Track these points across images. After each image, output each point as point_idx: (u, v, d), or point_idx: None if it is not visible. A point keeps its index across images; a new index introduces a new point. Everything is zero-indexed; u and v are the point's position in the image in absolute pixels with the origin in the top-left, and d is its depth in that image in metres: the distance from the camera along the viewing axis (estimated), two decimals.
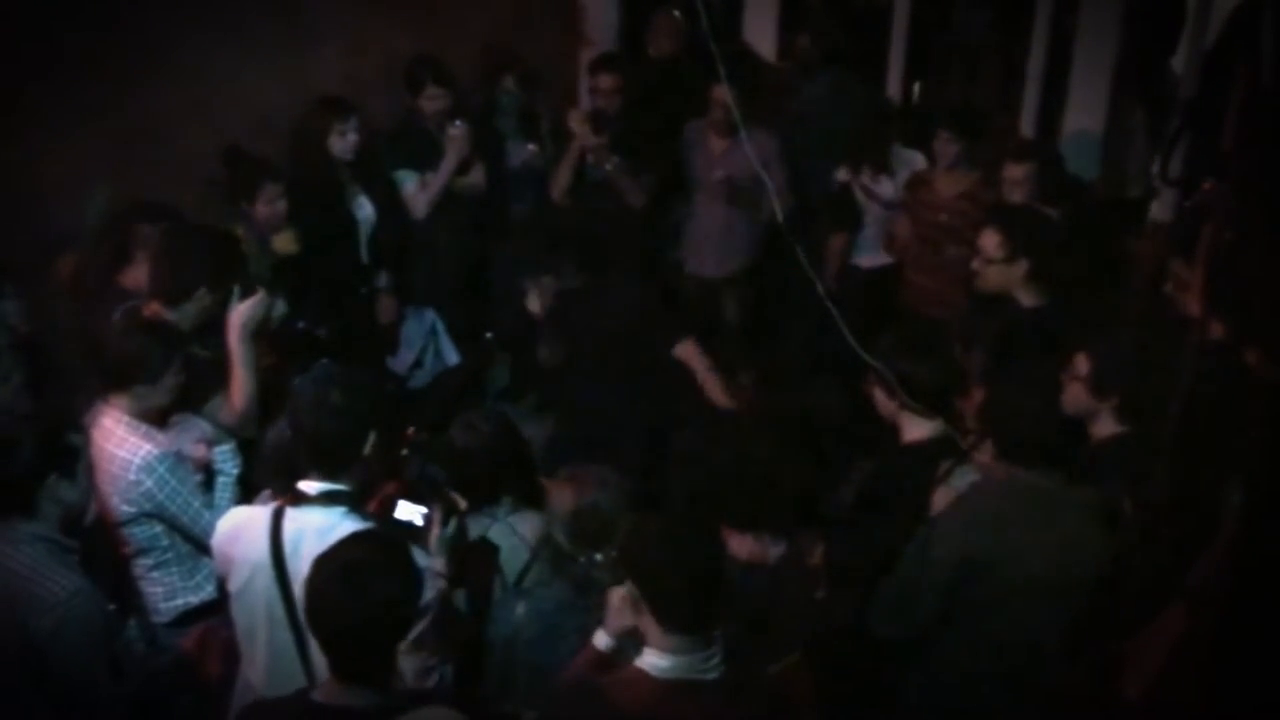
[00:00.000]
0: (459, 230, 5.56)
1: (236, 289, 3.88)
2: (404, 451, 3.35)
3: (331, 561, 2.55)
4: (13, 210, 4.30)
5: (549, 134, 5.88)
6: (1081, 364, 3.63)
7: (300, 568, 2.78)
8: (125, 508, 3.47)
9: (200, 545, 3.54)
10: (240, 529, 3.05)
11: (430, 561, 3.07)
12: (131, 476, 3.43)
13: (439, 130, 5.39)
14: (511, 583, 3.37)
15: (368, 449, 3.07)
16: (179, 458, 3.54)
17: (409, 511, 3.17)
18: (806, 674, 3.06)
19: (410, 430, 3.43)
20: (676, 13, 6.10)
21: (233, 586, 3.04)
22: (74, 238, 4.42)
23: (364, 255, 5.19)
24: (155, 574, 3.60)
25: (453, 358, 5.60)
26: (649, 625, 2.59)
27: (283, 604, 2.94)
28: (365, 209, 5.15)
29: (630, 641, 2.70)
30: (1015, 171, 4.97)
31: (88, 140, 4.47)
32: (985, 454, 3.35)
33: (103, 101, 4.52)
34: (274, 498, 3.17)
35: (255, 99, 5.03)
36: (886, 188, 5.62)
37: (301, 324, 4.48)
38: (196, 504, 3.52)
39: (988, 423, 3.36)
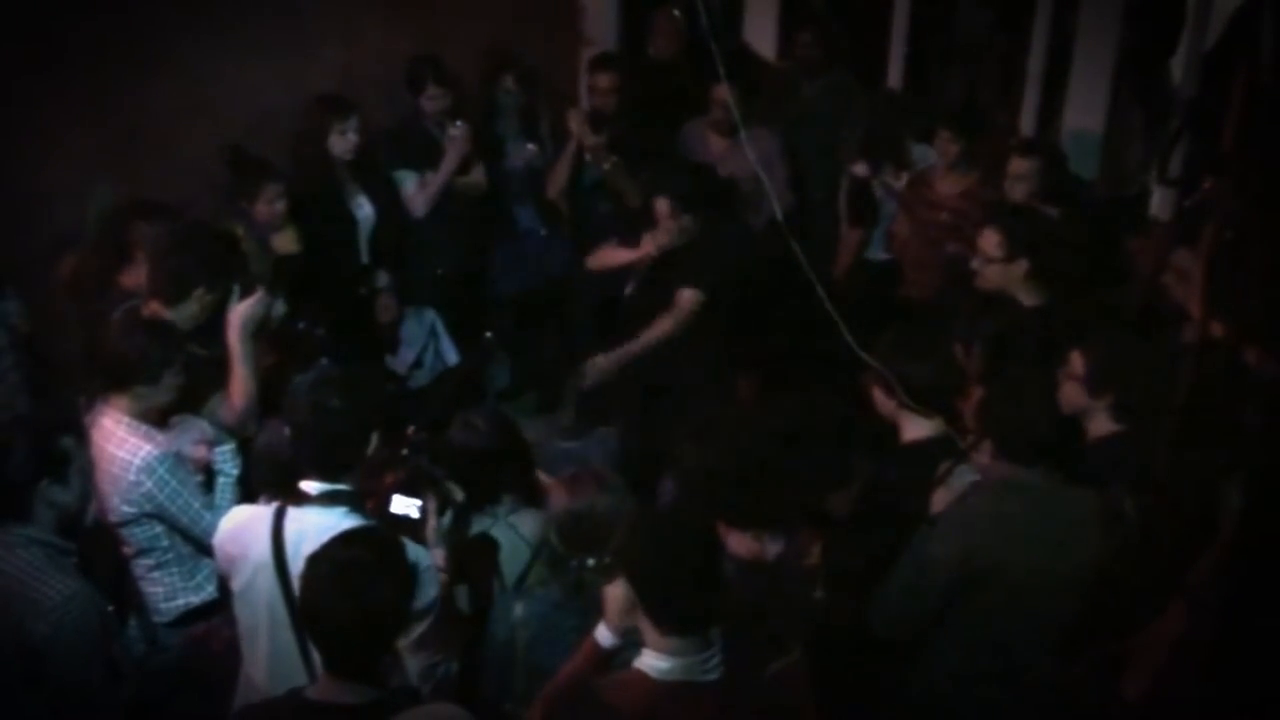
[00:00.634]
0: (459, 230, 5.56)
1: (236, 288, 3.88)
2: (404, 451, 3.35)
3: (323, 561, 2.55)
4: (13, 210, 4.30)
5: (549, 134, 5.88)
6: (1077, 362, 3.63)
7: (302, 568, 2.77)
8: (125, 508, 3.47)
9: (201, 546, 3.54)
10: (242, 528, 3.05)
11: (431, 555, 3.07)
12: (131, 477, 3.43)
13: (439, 130, 5.39)
14: (512, 583, 3.37)
15: (370, 450, 3.07)
16: (179, 458, 3.54)
17: (404, 505, 3.17)
18: (805, 673, 3.06)
19: (410, 430, 3.44)
20: (677, 12, 6.10)
21: (235, 586, 3.05)
22: (74, 238, 4.42)
23: (364, 255, 5.19)
24: (156, 574, 3.60)
25: (453, 358, 5.61)
26: (646, 627, 2.58)
27: (284, 604, 2.93)
28: (365, 209, 5.15)
29: (632, 639, 2.69)
30: (1020, 167, 4.96)
31: (88, 140, 4.48)
32: (985, 454, 3.35)
33: (103, 101, 4.52)
34: (271, 499, 3.17)
35: (255, 99, 5.03)
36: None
37: (301, 324, 4.48)
38: (197, 505, 3.52)
39: (986, 422, 3.36)
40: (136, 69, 4.61)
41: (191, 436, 3.67)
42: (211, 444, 3.69)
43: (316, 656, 2.80)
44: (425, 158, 5.39)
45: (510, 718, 3.10)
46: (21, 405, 3.78)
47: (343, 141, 4.96)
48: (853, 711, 3.45)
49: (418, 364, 5.51)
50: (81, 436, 3.21)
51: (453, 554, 3.22)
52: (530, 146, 5.75)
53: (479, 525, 3.46)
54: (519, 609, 3.16)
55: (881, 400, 3.68)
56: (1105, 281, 5.09)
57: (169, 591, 3.61)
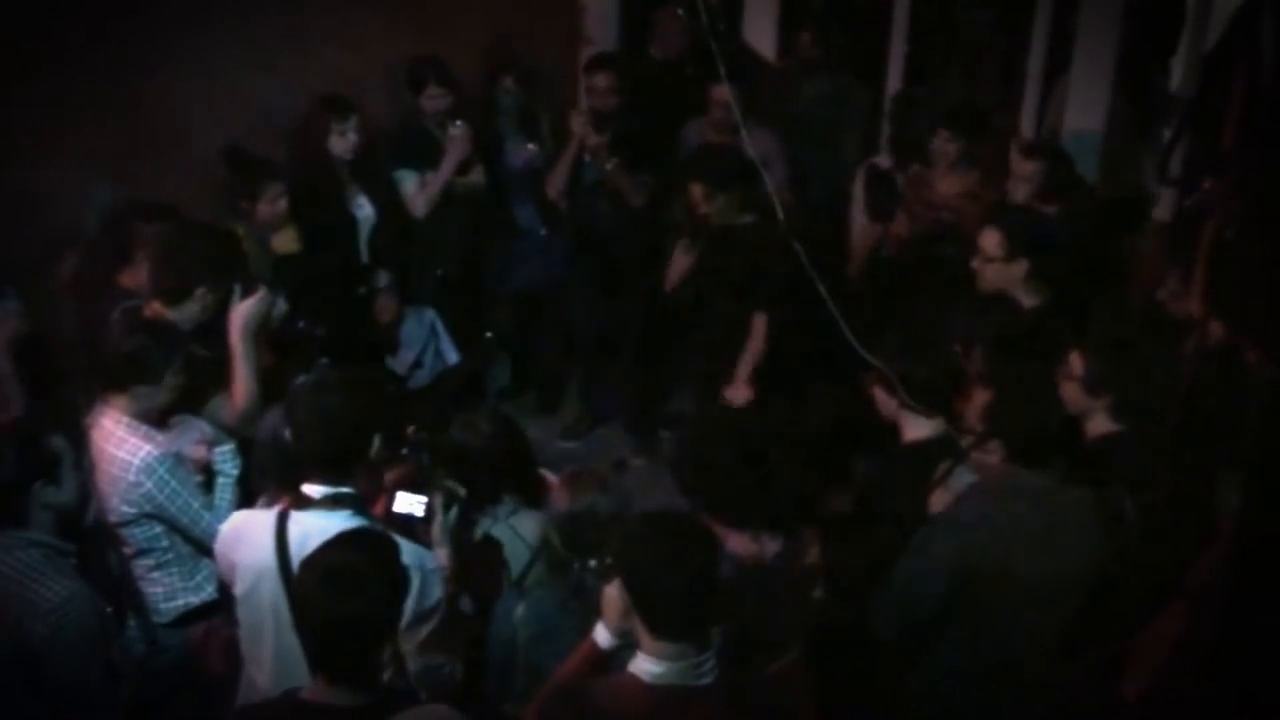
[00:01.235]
0: (459, 230, 5.56)
1: (238, 288, 3.88)
2: (404, 451, 3.35)
3: (316, 565, 2.55)
4: (13, 210, 4.30)
5: (549, 134, 5.88)
6: (1076, 363, 3.63)
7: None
8: (125, 509, 3.47)
9: (200, 546, 3.54)
10: (243, 533, 3.03)
11: (434, 555, 3.07)
12: (131, 478, 3.43)
13: (439, 130, 5.39)
14: (512, 583, 3.37)
15: (373, 453, 3.05)
16: (179, 459, 3.54)
17: (408, 502, 3.16)
18: (804, 673, 3.05)
19: (410, 430, 3.43)
20: (680, 11, 6.09)
21: (238, 591, 3.02)
22: (74, 238, 4.42)
23: (364, 255, 5.19)
24: (155, 575, 3.59)
25: (453, 358, 5.60)
26: (640, 630, 2.57)
27: (290, 608, 2.90)
28: (365, 209, 5.15)
29: (631, 640, 2.68)
30: (1024, 168, 4.97)
31: (88, 140, 4.47)
32: (983, 454, 3.35)
33: (103, 101, 4.52)
34: (271, 498, 3.17)
35: (255, 99, 5.03)
36: None
37: (301, 324, 4.48)
38: (196, 505, 3.52)
39: (996, 423, 3.34)
40: (136, 69, 4.61)
41: (191, 437, 3.67)
42: (211, 444, 3.68)
43: None
44: (425, 158, 5.39)
45: (510, 719, 3.10)
46: (21, 406, 3.78)
47: (343, 141, 4.96)
48: (853, 711, 3.45)
49: (418, 364, 5.51)
50: (74, 436, 3.20)
51: (457, 553, 3.22)
52: (530, 146, 5.75)
53: (479, 526, 3.47)
54: (520, 609, 3.16)
55: (882, 400, 3.68)
56: (1105, 281, 5.09)
57: (168, 592, 3.61)
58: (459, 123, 5.36)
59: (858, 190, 5.95)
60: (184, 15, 4.75)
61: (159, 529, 3.53)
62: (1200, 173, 5.09)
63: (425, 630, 2.91)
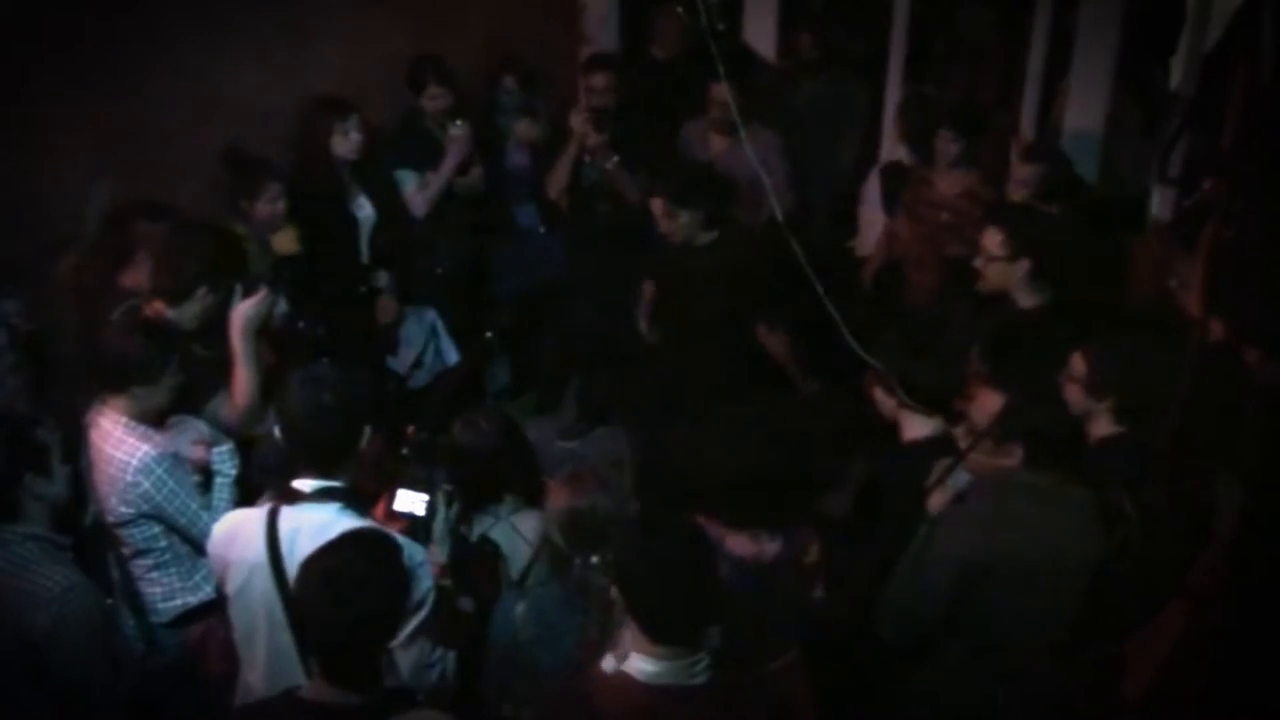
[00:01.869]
0: (459, 230, 5.56)
1: (238, 288, 3.88)
2: (404, 451, 3.35)
3: (316, 567, 2.54)
4: (13, 210, 4.30)
5: (549, 133, 5.87)
6: (1078, 365, 3.63)
7: (297, 567, 2.77)
8: (123, 509, 3.47)
9: (199, 546, 3.53)
10: (235, 532, 3.03)
11: (433, 552, 3.06)
12: (129, 478, 3.42)
13: (440, 130, 5.39)
14: (512, 582, 3.37)
15: (363, 444, 3.05)
16: (177, 459, 3.53)
17: (409, 501, 3.16)
18: (804, 672, 3.06)
19: (410, 430, 3.43)
20: (680, 10, 6.09)
21: (230, 589, 3.02)
22: (74, 238, 4.41)
23: (364, 255, 5.19)
24: (154, 574, 3.59)
25: (453, 357, 5.61)
26: (634, 630, 2.56)
27: (282, 605, 2.92)
28: (365, 209, 5.15)
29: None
30: (1024, 171, 4.97)
31: (88, 140, 4.47)
32: (981, 454, 3.35)
33: (103, 101, 4.52)
34: (271, 498, 3.16)
35: (255, 99, 5.02)
36: None
37: (301, 323, 4.48)
38: (194, 505, 3.51)
39: (1009, 425, 3.31)
40: (136, 69, 4.61)
41: (189, 437, 3.67)
42: (209, 444, 3.68)
43: None
44: (425, 158, 5.39)
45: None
46: (21, 406, 3.78)
47: (346, 142, 4.96)
48: (853, 711, 3.45)
49: (418, 364, 5.51)
50: (65, 429, 3.19)
51: (456, 550, 3.22)
52: (530, 124, 5.72)
53: (480, 525, 3.47)
54: (520, 608, 3.16)
55: (882, 399, 3.68)
56: (1105, 281, 5.09)
57: (167, 592, 3.60)
58: (459, 122, 5.35)
59: (870, 189, 5.94)
60: (184, 15, 4.74)
61: (157, 529, 3.53)
62: (1200, 173, 5.10)
63: (414, 622, 2.90)
